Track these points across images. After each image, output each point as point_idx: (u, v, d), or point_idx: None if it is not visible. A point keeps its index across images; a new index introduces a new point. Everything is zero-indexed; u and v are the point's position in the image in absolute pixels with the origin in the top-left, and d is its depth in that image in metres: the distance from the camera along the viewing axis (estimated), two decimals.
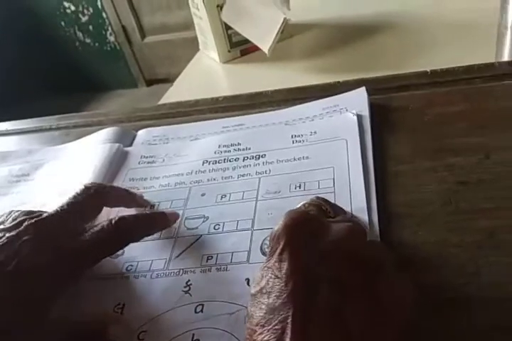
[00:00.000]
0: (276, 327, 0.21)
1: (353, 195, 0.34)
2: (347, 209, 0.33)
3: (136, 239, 0.33)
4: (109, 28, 2.69)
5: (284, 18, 0.66)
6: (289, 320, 0.21)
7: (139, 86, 2.85)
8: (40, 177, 0.46)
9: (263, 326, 0.21)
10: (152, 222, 0.34)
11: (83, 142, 0.48)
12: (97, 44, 2.78)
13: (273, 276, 0.23)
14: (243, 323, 0.28)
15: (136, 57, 2.77)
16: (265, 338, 0.21)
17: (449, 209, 0.32)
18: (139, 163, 0.44)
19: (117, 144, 0.46)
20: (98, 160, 0.44)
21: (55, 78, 2.83)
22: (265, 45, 0.67)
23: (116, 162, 0.44)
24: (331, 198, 0.34)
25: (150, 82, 2.83)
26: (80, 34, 2.76)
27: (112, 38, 2.74)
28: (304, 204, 0.31)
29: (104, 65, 2.82)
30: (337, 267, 0.23)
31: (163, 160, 0.44)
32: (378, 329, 0.22)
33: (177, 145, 0.45)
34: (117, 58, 2.78)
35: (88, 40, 2.78)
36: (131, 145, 0.47)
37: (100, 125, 0.53)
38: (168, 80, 2.68)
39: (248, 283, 0.30)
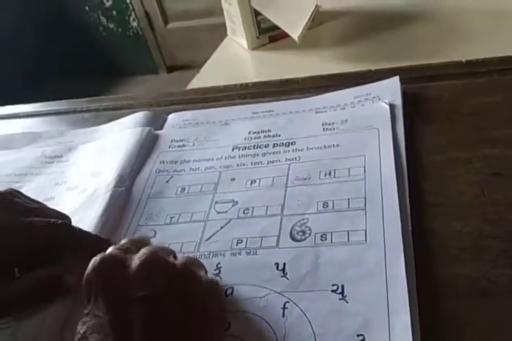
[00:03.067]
0: None
1: (384, 183, 0.34)
2: (377, 196, 0.33)
3: None
4: (132, 14, 2.70)
5: (316, 5, 0.65)
6: None
7: (160, 72, 2.86)
8: (73, 158, 0.47)
9: None
10: None
11: (115, 125, 0.49)
12: (119, 29, 2.80)
13: (93, 317, 0.24)
14: (273, 307, 0.28)
15: (158, 43, 2.77)
16: None
17: (483, 200, 0.31)
18: (169, 146, 0.44)
19: (148, 128, 0.46)
20: (130, 143, 0.44)
21: (77, 62, 2.85)
22: (295, 32, 0.67)
23: (147, 145, 0.45)
24: (361, 185, 0.34)
25: (171, 69, 2.83)
26: (103, 19, 2.77)
27: (134, 24, 2.74)
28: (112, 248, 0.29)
29: (126, 51, 2.83)
30: (145, 285, 0.25)
31: (194, 144, 0.44)
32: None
33: (207, 130, 0.45)
34: (139, 44, 2.79)
35: (111, 25, 2.79)
36: (161, 128, 0.48)
37: (130, 108, 0.54)
38: (190, 67, 2.68)
39: (277, 268, 0.31)
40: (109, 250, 0.28)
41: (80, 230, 0.33)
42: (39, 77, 2.68)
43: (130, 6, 2.67)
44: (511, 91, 0.41)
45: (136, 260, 0.26)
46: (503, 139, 0.35)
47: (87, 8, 2.74)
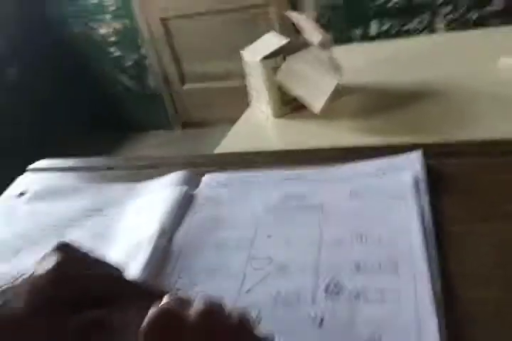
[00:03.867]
0: None
1: (412, 248, 0.37)
2: (407, 260, 0.36)
3: None
4: (151, 74, 2.84)
5: (337, 84, 0.71)
6: None
7: (174, 128, 2.96)
8: (112, 213, 0.50)
9: None
10: None
11: (154, 183, 0.53)
12: (137, 88, 2.93)
13: None
14: None
15: (174, 102, 2.89)
16: None
17: (504, 270, 0.34)
18: (205, 204, 0.48)
19: (185, 187, 0.50)
20: (168, 201, 0.48)
21: (94, 117, 2.96)
22: (317, 106, 0.72)
23: (185, 204, 0.48)
24: (391, 249, 0.37)
25: (185, 125, 2.94)
26: (122, 77, 2.92)
27: (153, 83, 2.88)
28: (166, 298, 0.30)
29: (142, 108, 2.95)
30: None
31: (228, 203, 0.47)
32: None
33: (241, 191, 0.49)
34: (156, 102, 2.91)
35: (130, 84, 2.93)
36: (197, 188, 0.51)
37: (166, 168, 0.58)
38: (203, 125, 2.79)
39: (314, 321, 0.33)
40: (166, 301, 0.28)
41: (136, 282, 0.34)
42: (56, 132, 2.76)
43: (149, 66, 2.82)
44: None
45: (194, 315, 0.27)
46: None
47: (107, 66, 2.89)
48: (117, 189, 0.54)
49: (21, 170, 0.63)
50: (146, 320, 0.27)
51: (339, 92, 0.80)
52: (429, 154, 0.48)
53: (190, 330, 0.27)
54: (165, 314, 0.27)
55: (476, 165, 0.46)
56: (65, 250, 0.35)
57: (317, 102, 0.73)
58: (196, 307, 0.28)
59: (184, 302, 0.29)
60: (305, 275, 0.37)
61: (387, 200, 0.43)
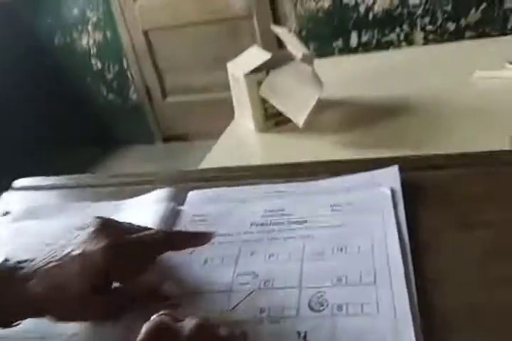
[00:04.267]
0: None
1: (390, 259, 0.38)
2: (385, 271, 0.37)
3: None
4: (132, 86, 2.84)
5: (319, 98, 0.73)
6: None
7: (155, 142, 2.95)
8: None
9: None
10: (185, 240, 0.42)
11: (140, 200, 0.53)
12: (119, 101, 2.92)
13: None
14: None
15: (155, 115, 2.89)
16: None
17: (477, 277, 0.36)
18: (191, 220, 0.49)
19: (172, 203, 0.51)
20: (154, 218, 0.49)
21: (75, 131, 2.94)
22: (299, 120, 0.74)
23: (171, 220, 0.49)
24: (370, 261, 0.39)
25: (166, 139, 2.93)
26: (103, 90, 2.91)
27: (134, 96, 2.88)
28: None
29: (124, 121, 2.95)
30: None
31: (214, 219, 0.48)
32: None
33: (226, 207, 0.50)
34: (137, 115, 2.90)
35: (111, 96, 2.92)
36: (183, 204, 0.52)
37: (151, 184, 0.58)
38: (184, 138, 2.79)
39: (299, 336, 0.34)
40: (161, 316, 0.31)
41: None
42: (37, 147, 2.74)
43: (131, 78, 2.82)
44: (494, 181, 0.47)
45: (187, 329, 0.29)
46: (491, 221, 0.41)
47: (88, 78, 2.88)
48: (103, 206, 0.55)
49: (3, 189, 0.63)
50: (142, 331, 0.29)
51: (321, 106, 0.82)
52: (406, 167, 0.50)
53: None
54: (160, 326, 0.30)
55: (451, 177, 0.48)
56: (107, 223, 0.40)
57: (300, 116, 0.75)
58: (189, 320, 0.30)
59: (177, 316, 0.31)
60: (288, 290, 0.38)
61: (366, 213, 0.44)
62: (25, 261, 0.40)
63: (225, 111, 0.99)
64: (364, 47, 2.41)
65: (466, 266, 0.38)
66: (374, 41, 2.42)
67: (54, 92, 2.86)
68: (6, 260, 0.40)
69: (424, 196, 0.46)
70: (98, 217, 0.41)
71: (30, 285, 0.37)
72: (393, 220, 0.43)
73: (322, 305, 0.36)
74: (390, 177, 0.48)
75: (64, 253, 0.38)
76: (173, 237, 0.42)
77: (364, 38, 2.43)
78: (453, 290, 0.36)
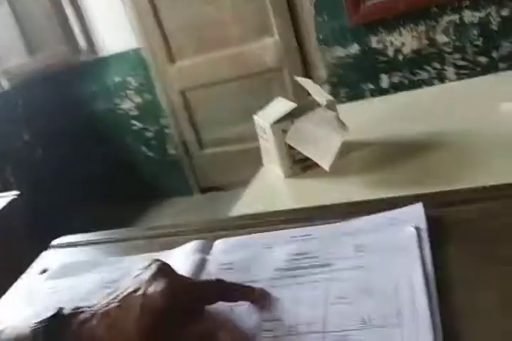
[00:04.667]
0: None
1: (416, 300, 0.37)
2: (410, 312, 0.36)
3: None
4: (171, 142, 2.95)
5: (342, 141, 0.74)
6: None
7: (193, 193, 3.01)
8: None
9: None
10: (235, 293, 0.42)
11: (169, 254, 0.54)
12: (158, 157, 3.03)
13: None
14: None
15: (193, 168, 2.97)
16: None
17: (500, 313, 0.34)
18: (217, 269, 0.49)
19: (199, 255, 0.52)
20: (182, 270, 0.49)
21: (118, 189, 3.05)
22: (325, 163, 0.75)
23: (197, 270, 0.49)
24: (395, 303, 0.38)
25: (204, 190, 2.99)
26: (144, 149, 3.03)
27: (172, 151, 2.98)
28: None
29: (163, 176, 3.04)
30: None
31: (240, 266, 0.49)
32: None
33: (251, 254, 0.50)
34: (176, 169, 2.99)
35: (151, 154, 3.03)
36: (209, 254, 0.53)
37: (181, 235, 0.60)
38: (221, 188, 2.83)
39: None
40: None
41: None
42: (81, 206, 2.84)
43: (169, 136, 2.93)
44: None
45: None
46: None
47: (129, 138, 3.01)
48: (135, 259, 0.56)
49: (44, 247, 0.66)
50: None
51: (347, 149, 0.82)
52: (432, 204, 0.49)
53: None
54: None
55: (476, 211, 0.47)
56: (166, 267, 0.42)
57: (325, 160, 0.76)
58: None
59: None
60: (313, 334, 0.37)
61: (390, 253, 0.44)
62: (82, 307, 0.41)
63: (258, 160, 1.01)
64: (396, 87, 2.43)
65: (496, 304, 0.36)
66: (406, 81, 2.44)
67: (99, 153, 3.00)
68: (61, 308, 0.41)
69: (450, 232, 0.45)
70: (157, 260, 0.43)
71: (90, 328, 0.38)
72: (418, 260, 0.42)
73: None
74: (415, 214, 0.48)
75: (125, 294, 0.39)
76: (226, 287, 0.42)
77: (395, 79, 2.45)
78: (481, 330, 0.34)
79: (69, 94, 2.92)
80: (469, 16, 2.23)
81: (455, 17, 2.25)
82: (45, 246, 0.66)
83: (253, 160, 1.01)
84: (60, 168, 2.80)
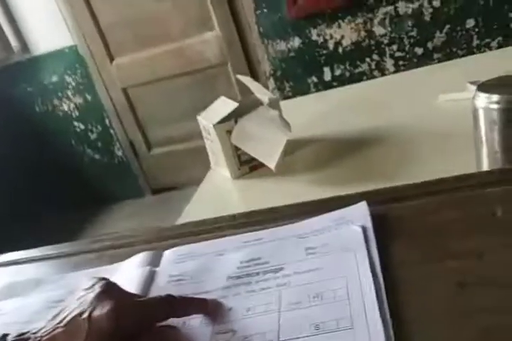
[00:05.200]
0: None
1: (366, 301, 0.38)
2: (362, 314, 0.36)
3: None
4: (117, 143, 2.87)
5: (287, 140, 0.74)
6: None
7: (145, 195, 2.96)
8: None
9: None
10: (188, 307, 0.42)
11: (115, 267, 0.53)
12: (105, 159, 2.95)
13: None
14: None
15: (142, 169, 2.91)
16: None
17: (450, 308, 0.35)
18: (168, 281, 0.48)
19: (148, 267, 0.50)
20: (130, 285, 0.48)
21: (63, 193, 2.95)
22: (271, 163, 0.75)
23: (146, 284, 0.48)
24: (346, 306, 0.38)
25: (155, 191, 2.94)
26: (89, 151, 2.94)
27: (119, 153, 2.91)
28: None
29: (112, 178, 2.96)
30: None
31: (191, 277, 0.48)
32: None
33: (202, 263, 0.50)
34: (124, 171, 2.93)
35: (97, 156, 2.95)
36: (158, 265, 0.52)
37: (131, 246, 0.58)
38: (173, 188, 2.80)
39: None
40: None
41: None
42: (25, 214, 2.73)
43: (114, 136, 2.85)
44: (465, 207, 0.47)
45: None
46: (463, 251, 0.41)
47: (73, 141, 2.91)
48: (80, 275, 0.54)
49: None
50: None
51: (292, 147, 0.83)
52: (375, 201, 0.50)
53: None
54: None
55: (420, 206, 0.48)
56: (111, 286, 0.41)
57: (271, 160, 0.76)
58: None
59: None
60: None
61: (339, 255, 0.44)
62: (27, 332, 0.39)
63: (207, 158, 1.01)
64: (338, 80, 2.47)
65: (440, 299, 0.37)
66: (348, 74, 2.48)
67: (38, 158, 2.88)
68: (5, 335, 0.39)
69: (394, 229, 0.46)
70: (102, 278, 0.41)
71: None
72: (366, 259, 0.42)
73: None
74: (360, 213, 0.48)
75: (69, 317, 0.38)
76: (175, 303, 0.41)
77: (337, 72, 2.49)
78: (429, 326, 0.35)
79: (3, 96, 2.79)
80: (403, 7, 2.29)
81: (390, 8, 2.30)
82: None
83: (203, 158, 0.99)
84: None
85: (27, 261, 0.63)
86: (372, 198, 0.51)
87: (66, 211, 2.84)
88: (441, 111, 0.85)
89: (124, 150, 2.89)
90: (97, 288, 0.40)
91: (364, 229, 0.46)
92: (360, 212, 0.49)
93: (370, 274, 0.40)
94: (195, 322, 0.42)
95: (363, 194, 0.53)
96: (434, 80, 1.10)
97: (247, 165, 0.84)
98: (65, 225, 2.30)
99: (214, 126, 0.83)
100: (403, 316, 0.36)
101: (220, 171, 0.87)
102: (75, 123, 2.88)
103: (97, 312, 0.37)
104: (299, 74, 2.52)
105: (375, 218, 0.47)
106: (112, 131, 2.86)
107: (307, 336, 0.37)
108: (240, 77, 0.95)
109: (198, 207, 0.78)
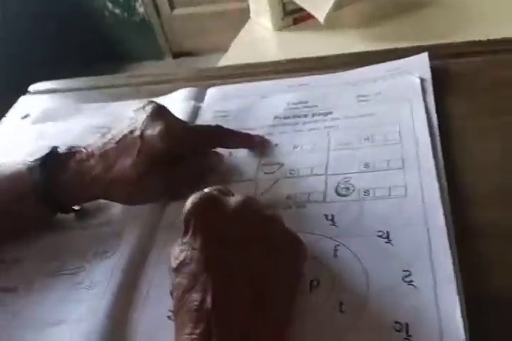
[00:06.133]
0: (199, 289, 0.26)
1: (419, 145, 0.37)
2: (413, 157, 0.36)
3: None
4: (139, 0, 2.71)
5: None
6: (209, 282, 0.26)
7: (165, 58, 2.87)
8: None
9: (189, 291, 0.26)
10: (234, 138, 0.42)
11: (160, 100, 0.52)
12: (125, 14, 2.81)
13: (190, 249, 0.27)
14: (325, 249, 0.32)
15: (164, 29, 2.78)
16: (193, 299, 0.25)
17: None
18: (213, 116, 0.48)
19: (192, 102, 0.50)
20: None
21: (82, 48, 2.86)
22: (320, 14, 0.70)
23: (192, 117, 0.48)
24: (398, 148, 0.38)
25: (176, 55, 2.84)
26: (109, 4, 2.78)
27: (141, 9, 2.76)
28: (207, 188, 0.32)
29: (132, 36, 2.85)
30: (241, 227, 0.28)
31: (236, 114, 0.47)
32: (277, 278, 0.27)
33: (248, 102, 0.49)
34: (145, 30, 2.80)
35: (117, 11, 2.80)
36: (202, 101, 0.51)
37: (169, 83, 0.57)
38: (195, 53, 2.70)
39: (326, 218, 0.34)
40: (210, 189, 0.31)
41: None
42: (44, 69, 2.69)
43: None
44: None
45: (234, 203, 0.29)
46: None
47: None
48: (121, 105, 0.54)
49: (20, 93, 0.62)
50: (189, 201, 0.29)
51: (342, 1, 0.77)
52: (435, 55, 0.48)
53: (230, 214, 0.28)
54: (207, 197, 0.29)
55: (481, 63, 0.46)
56: (162, 109, 0.40)
57: (321, 11, 0.70)
58: (236, 197, 0.30)
59: (225, 193, 0.31)
60: (315, 177, 0.38)
61: (393, 103, 0.43)
62: (76, 147, 0.40)
63: (235, 23, 0.93)
64: None
65: (498, 150, 0.37)
66: None
67: (55, 9, 2.74)
68: (56, 147, 0.40)
69: (453, 84, 0.45)
70: (152, 101, 0.41)
71: (89, 167, 0.37)
72: (422, 108, 0.41)
73: (349, 190, 0.36)
74: (420, 65, 0.46)
75: (121, 135, 0.38)
76: (224, 133, 0.41)
77: None
78: (482, 172, 0.35)
79: None
80: None
81: None
82: (22, 91, 0.62)
83: (230, 23, 0.92)
84: (20, 25, 2.57)
85: (63, 90, 0.62)
86: (432, 52, 0.48)
87: (83, 68, 2.79)
88: None
89: (145, 8, 2.73)
90: (149, 109, 0.39)
91: (422, 80, 0.44)
92: (420, 63, 0.46)
93: (425, 122, 0.39)
94: (242, 154, 0.42)
95: (423, 46, 0.50)
96: None
97: (292, 16, 0.79)
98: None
99: None
100: (456, 161, 0.36)
101: (261, 21, 0.82)
102: None
103: (149, 132, 0.38)
104: None
105: (434, 72, 0.45)
106: None
107: (356, 172, 0.37)
108: None
109: (235, 56, 0.75)
